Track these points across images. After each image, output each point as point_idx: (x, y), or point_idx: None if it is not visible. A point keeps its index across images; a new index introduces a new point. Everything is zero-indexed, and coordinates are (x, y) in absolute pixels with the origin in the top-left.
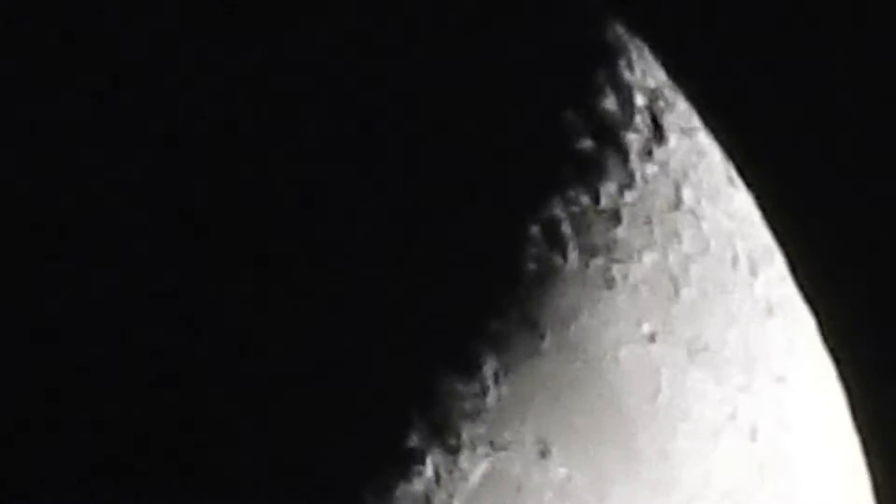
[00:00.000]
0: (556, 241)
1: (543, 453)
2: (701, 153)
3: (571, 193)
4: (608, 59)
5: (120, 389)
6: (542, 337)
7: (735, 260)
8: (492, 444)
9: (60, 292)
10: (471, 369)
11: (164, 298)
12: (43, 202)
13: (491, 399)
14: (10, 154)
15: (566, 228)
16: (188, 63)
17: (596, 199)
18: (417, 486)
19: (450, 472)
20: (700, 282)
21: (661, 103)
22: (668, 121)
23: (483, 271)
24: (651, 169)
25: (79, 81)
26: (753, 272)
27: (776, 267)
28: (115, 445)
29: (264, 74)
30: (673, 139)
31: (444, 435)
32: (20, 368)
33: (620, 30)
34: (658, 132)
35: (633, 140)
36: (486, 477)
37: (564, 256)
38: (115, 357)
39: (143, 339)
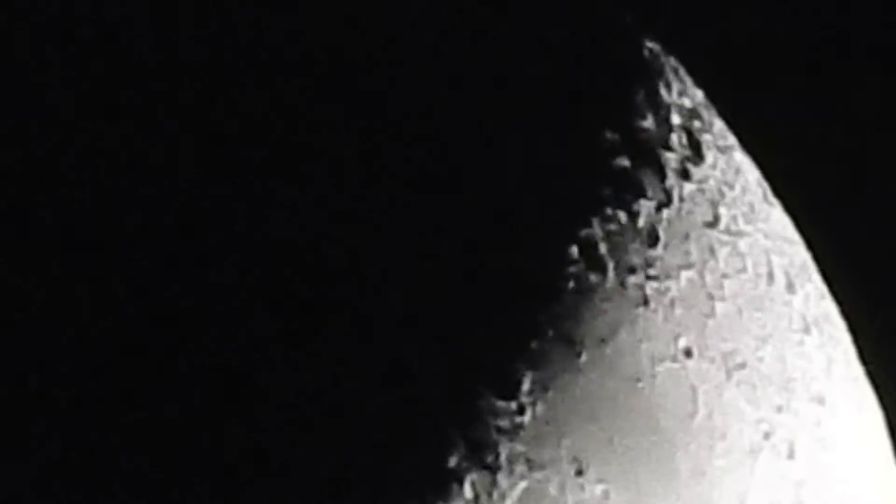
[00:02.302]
0: (593, 260)
1: (580, 472)
2: (737, 171)
3: (609, 212)
4: (645, 78)
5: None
6: (579, 355)
7: (771, 277)
8: (529, 462)
9: (57, 288)
10: (509, 387)
11: (188, 305)
12: (39, 199)
13: (528, 417)
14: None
15: (604, 247)
16: (188, 59)
17: (633, 218)
18: None
19: (489, 493)
20: (736, 299)
21: (698, 122)
22: (705, 140)
23: (521, 290)
24: (688, 187)
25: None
26: (790, 289)
27: (813, 284)
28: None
29: (294, 85)
30: (710, 158)
31: (483, 454)
32: (23, 370)
33: (657, 48)
34: (695, 151)
35: (671, 159)
36: (524, 496)
37: (602, 275)
38: (135, 365)
39: (171, 350)
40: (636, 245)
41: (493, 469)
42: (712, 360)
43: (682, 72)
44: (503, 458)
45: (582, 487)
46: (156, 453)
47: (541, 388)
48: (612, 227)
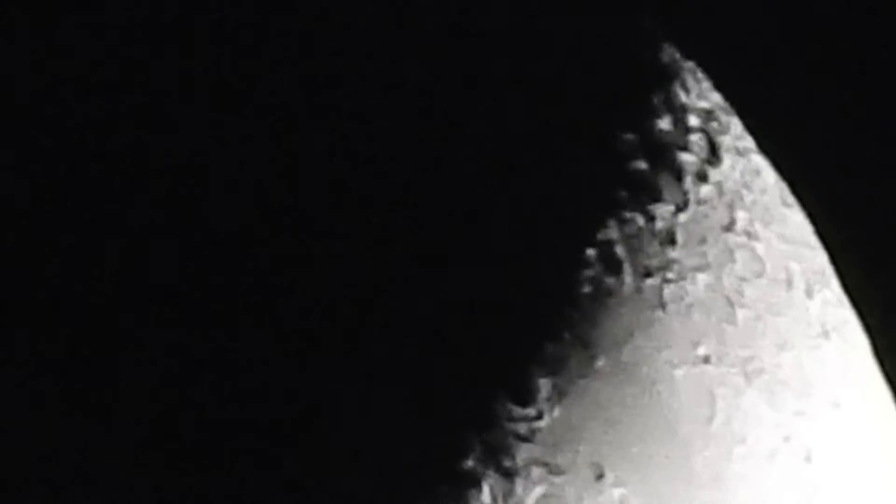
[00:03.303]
0: (610, 263)
1: (598, 476)
2: (755, 174)
3: (626, 215)
4: (663, 80)
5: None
6: (596, 359)
7: (790, 282)
8: (547, 466)
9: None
10: (526, 392)
11: (218, 311)
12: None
13: (546, 422)
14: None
15: (621, 250)
16: (186, 64)
17: (651, 221)
18: None
19: (506, 497)
20: (755, 304)
21: (716, 124)
22: (723, 142)
23: (538, 294)
24: (706, 190)
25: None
26: (809, 294)
27: (832, 289)
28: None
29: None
30: (728, 160)
31: (500, 458)
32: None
33: (675, 51)
34: (713, 153)
35: (688, 161)
36: (541, 500)
37: (619, 278)
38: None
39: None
40: (653, 248)
41: (511, 474)
42: (731, 366)
43: (700, 74)
44: (520, 462)
45: (600, 492)
46: (169, 461)
47: (558, 393)
48: (629, 229)
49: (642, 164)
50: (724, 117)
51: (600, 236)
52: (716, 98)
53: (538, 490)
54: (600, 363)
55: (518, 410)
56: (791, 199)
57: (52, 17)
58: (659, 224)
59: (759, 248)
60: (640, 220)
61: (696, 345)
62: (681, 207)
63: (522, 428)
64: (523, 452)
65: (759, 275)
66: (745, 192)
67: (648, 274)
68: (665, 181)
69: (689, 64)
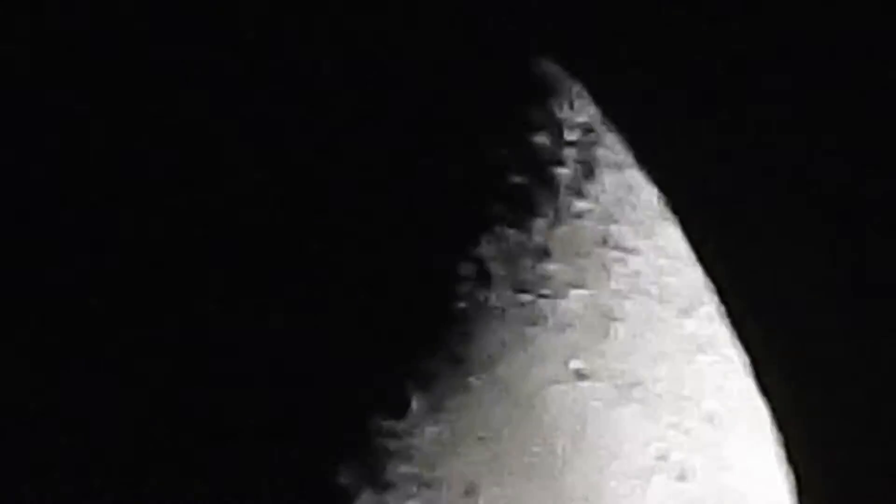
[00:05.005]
0: (485, 279)
1: (470, 492)
2: (632, 188)
3: (501, 230)
4: (542, 95)
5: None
6: (470, 375)
7: (665, 297)
8: (420, 481)
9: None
10: (400, 408)
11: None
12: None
13: (419, 438)
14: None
15: (496, 265)
16: (197, 59)
17: (526, 236)
18: None
19: None
20: (630, 318)
21: (593, 138)
22: (599, 156)
23: (412, 309)
24: (581, 204)
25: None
26: (685, 309)
27: (708, 304)
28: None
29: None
30: (604, 174)
31: (374, 473)
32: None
33: (555, 66)
34: (589, 167)
35: (564, 175)
36: None
37: (494, 294)
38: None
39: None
40: (528, 263)
41: (384, 488)
42: (605, 380)
43: (579, 88)
44: (393, 477)
45: None
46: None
47: (432, 408)
48: (504, 245)
49: (518, 179)
50: (600, 131)
51: (474, 251)
52: (593, 112)
53: None
54: (474, 379)
55: (392, 425)
56: (668, 213)
57: None
58: (534, 239)
59: (635, 262)
60: (515, 235)
61: (570, 360)
62: (556, 222)
63: (396, 443)
64: (397, 467)
65: (635, 289)
66: (621, 206)
67: (523, 289)
68: (541, 196)
69: (569, 78)
